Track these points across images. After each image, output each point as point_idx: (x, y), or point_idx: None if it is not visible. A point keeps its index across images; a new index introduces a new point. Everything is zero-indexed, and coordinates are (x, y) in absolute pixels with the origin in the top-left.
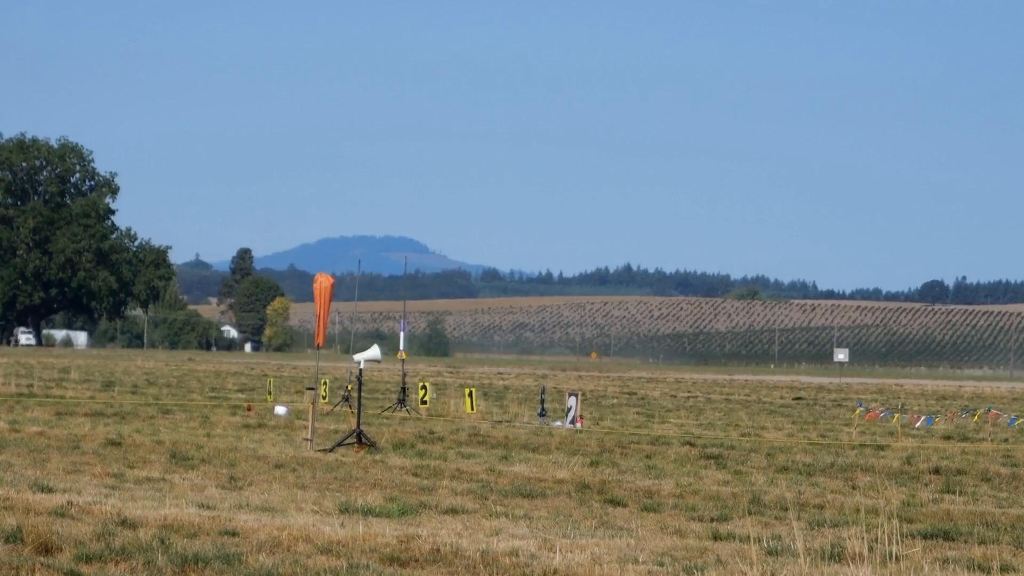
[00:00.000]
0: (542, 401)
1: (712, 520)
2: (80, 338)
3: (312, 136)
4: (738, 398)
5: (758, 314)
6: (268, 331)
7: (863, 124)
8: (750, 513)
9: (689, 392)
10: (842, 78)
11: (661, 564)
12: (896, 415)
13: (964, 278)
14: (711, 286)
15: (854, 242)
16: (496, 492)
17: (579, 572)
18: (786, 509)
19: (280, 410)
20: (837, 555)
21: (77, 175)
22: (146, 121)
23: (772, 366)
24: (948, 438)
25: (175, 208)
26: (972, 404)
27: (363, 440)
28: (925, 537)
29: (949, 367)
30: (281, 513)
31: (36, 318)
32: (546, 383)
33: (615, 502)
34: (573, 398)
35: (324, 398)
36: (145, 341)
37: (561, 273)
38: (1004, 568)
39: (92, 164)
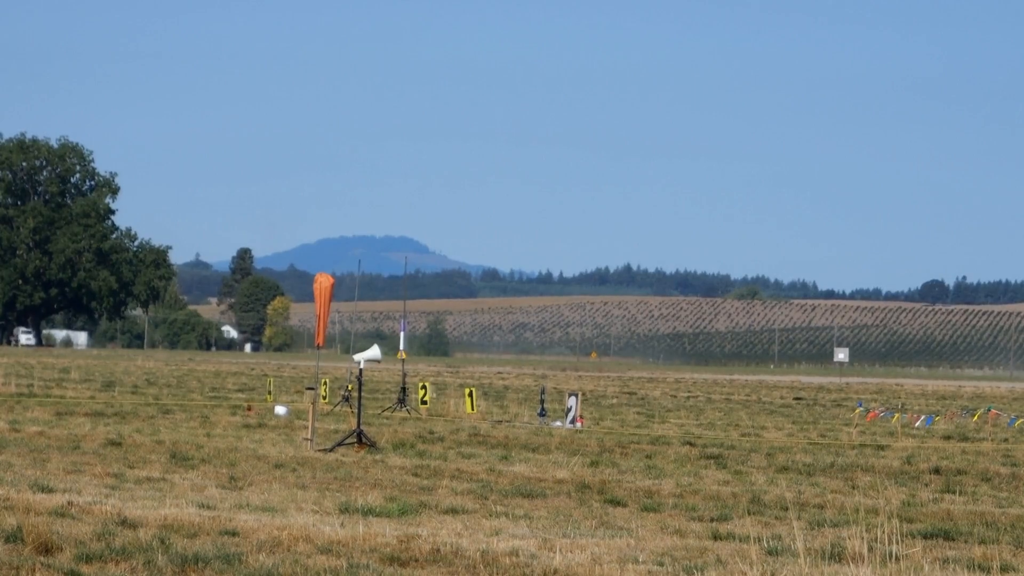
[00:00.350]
0: (542, 401)
1: (712, 520)
2: (80, 338)
3: (312, 136)
4: (738, 398)
5: (758, 314)
6: (268, 331)
7: (863, 124)
8: (750, 513)
9: (689, 392)
10: (842, 78)
11: (661, 564)
12: (896, 415)
13: (964, 278)
14: (711, 286)
15: (854, 242)
16: (496, 492)
17: (579, 572)
18: (786, 509)
19: (280, 410)
20: (837, 555)
21: (77, 175)
22: (146, 121)
23: (772, 366)
24: (948, 438)
25: (175, 208)
26: (972, 404)
27: (363, 440)
28: (925, 537)
29: (949, 367)
30: (281, 513)
31: (36, 318)
32: (546, 383)
33: (615, 502)
34: (573, 398)
35: (324, 398)
36: (145, 341)
37: (561, 273)
38: (1004, 568)
39: (92, 164)
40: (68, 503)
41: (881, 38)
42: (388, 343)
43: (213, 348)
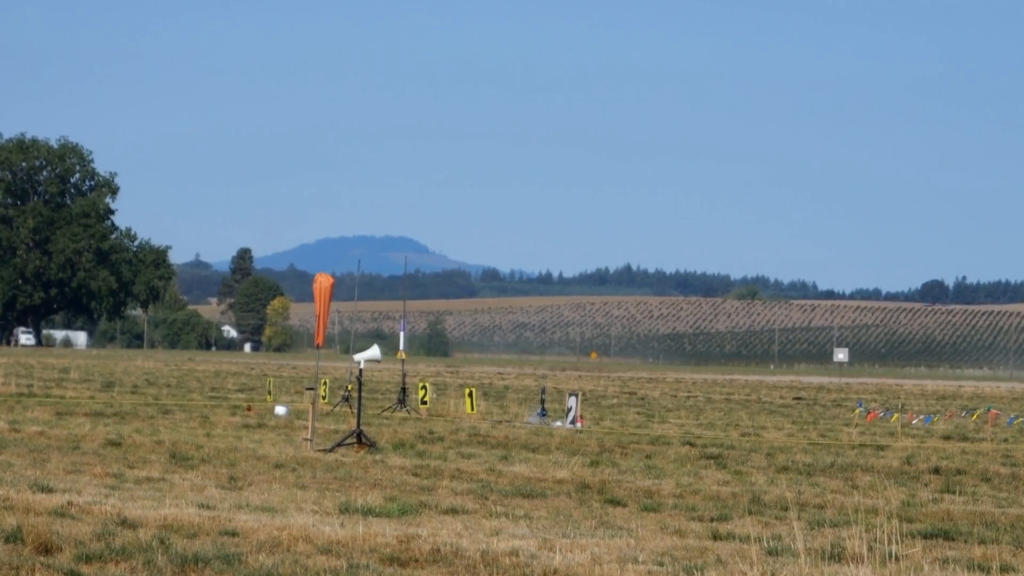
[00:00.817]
0: (542, 401)
1: (712, 520)
2: (80, 338)
3: (312, 136)
4: (738, 398)
5: (758, 314)
6: (268, 331)
7: (863, 124)
8: (750, 513)
9: (689, 392)
10: (842, 78)
11: (661, 564)
12: (896, 415)
13: (964, 278)
14: (711, 286)
15: (854, 242)
16: (496, 492)
17: (579, 572)
18: (786, 509)
19: (280, 410)
20: (837, 555)
21: (77, 175)
22: (146, 121)
23: (772, 366)
24: (948, 438)
25: (175, 208)
26: (972, 404)
27: (363, 440)
28: (925, 537)
29: (949, 367)
30: (281, 513)
31: (36, 318)
32: (546, 383)
33: (615, 502)
34: (573, 398)
35: (324, 398)
36: (145, 341)
37: (561, 273)
38: (1004, 568)
39: (92, 164)
40: (68, 503)
41: (881, 38)
42: (388, 343)
43: (213, 348)
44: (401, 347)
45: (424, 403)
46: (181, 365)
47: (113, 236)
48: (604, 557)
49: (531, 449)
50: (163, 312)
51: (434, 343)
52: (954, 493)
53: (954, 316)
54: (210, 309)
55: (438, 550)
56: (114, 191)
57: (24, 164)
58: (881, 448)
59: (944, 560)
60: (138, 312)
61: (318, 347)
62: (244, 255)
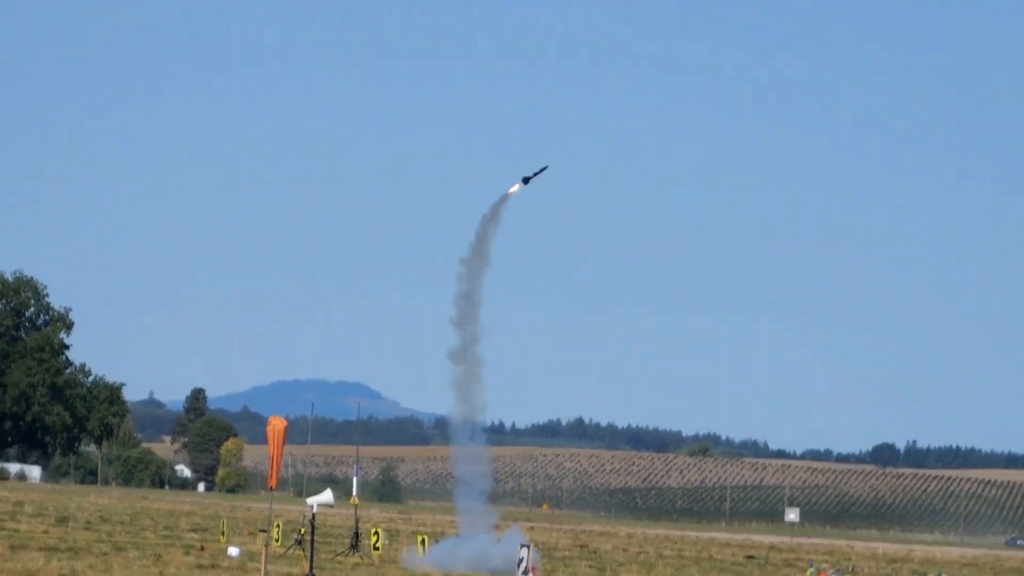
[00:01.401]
0: None
1: None
2: (34, 472)
3: (265, 282)
4: (690, 554)
5: (709, 471)
6: (221, 471)
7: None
8: None
9: (640, 547)
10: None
11: None
12: None
13: (915, 442)
14: (663, 441)
15: (805, 403)
16: None
17: None
18: None
19: (233, 551)
20: None
21: (32, 309)
22: (100, 257)
23: (723, 523)
24: None
25: (129, 346)
26: (923, 568)
27: None
28: None
29: (899, 531)
30: None
31: None
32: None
33: None
34: (525, 549)
35: (277, 541)
36: (99, 477)
37: (513, 424)
38: None
39: (47, 298)
40: None
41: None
42: (341, 487)
43: (167, 487)
44: (354, 492)
45: (376, 548)
46: (135, 503)
47: (67, 371)
48: None
49: None
50: (117, 449)
51: (387, 489)
52: None
53: (904, 480)
54: (164, 448)
55: None
56: (68, 326)
57: None
58: None
59: None
60: (92, 448)
61: (271, 489)
62: (198, 395)
